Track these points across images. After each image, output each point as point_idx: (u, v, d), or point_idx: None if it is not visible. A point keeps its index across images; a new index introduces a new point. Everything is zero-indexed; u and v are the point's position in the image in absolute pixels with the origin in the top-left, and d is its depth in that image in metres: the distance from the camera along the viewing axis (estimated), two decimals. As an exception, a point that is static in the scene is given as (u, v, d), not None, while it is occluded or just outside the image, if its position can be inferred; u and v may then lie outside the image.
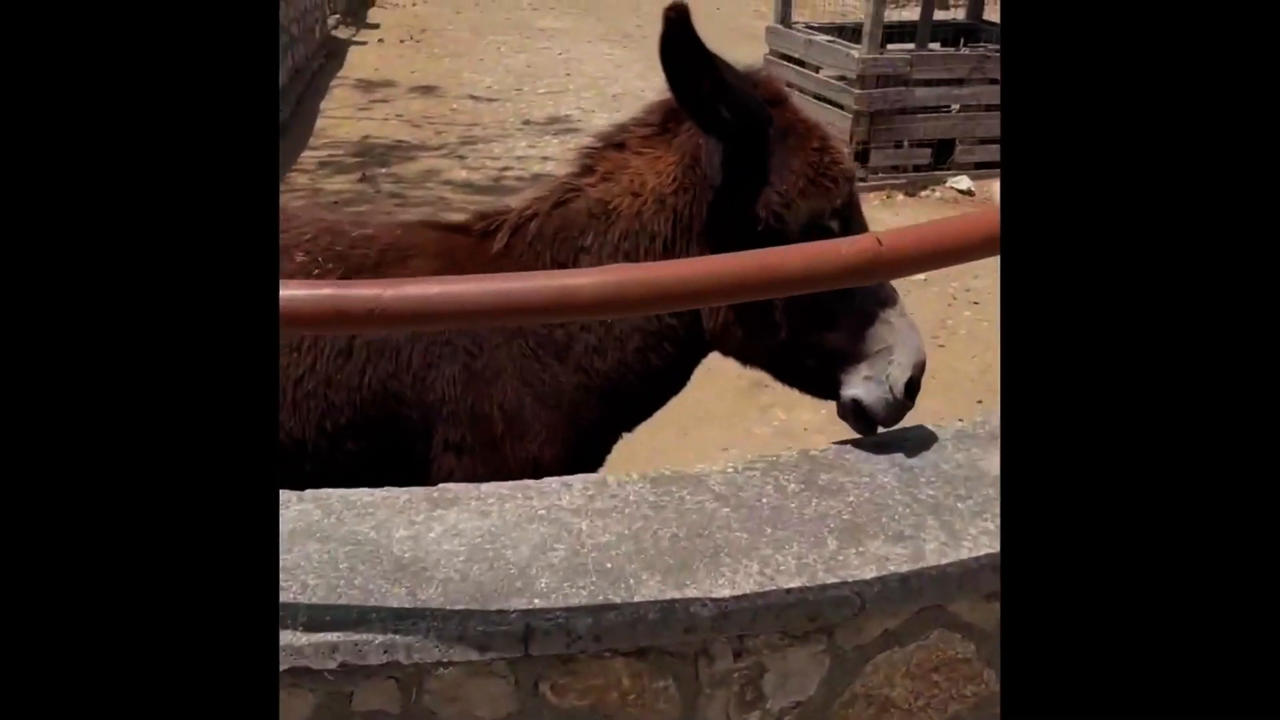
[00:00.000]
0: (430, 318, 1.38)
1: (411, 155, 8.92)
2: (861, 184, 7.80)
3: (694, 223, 2.10)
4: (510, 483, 2.01)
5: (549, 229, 2.21)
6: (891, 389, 2.04)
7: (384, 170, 8.49)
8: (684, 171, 2.11)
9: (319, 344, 2.16)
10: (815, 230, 2.02)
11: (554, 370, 2.19)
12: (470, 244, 2.28)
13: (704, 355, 2.27)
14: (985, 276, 6.17)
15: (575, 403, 2.20)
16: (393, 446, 2.25)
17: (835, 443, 2.12)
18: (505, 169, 8.63)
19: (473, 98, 10.87)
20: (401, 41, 13.45)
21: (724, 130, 2.00)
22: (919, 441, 2.09)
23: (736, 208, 2.05)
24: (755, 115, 2.00)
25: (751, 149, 2.02)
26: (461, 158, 8.89)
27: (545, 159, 8.90)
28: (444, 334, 2.20)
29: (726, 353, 2.20)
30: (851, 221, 2.07)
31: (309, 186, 8.07)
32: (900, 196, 8.10)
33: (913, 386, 2.02)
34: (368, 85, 11.24)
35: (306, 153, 8.93)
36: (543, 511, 1.91)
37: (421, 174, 8.44)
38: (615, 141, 2.23)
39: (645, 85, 11.47)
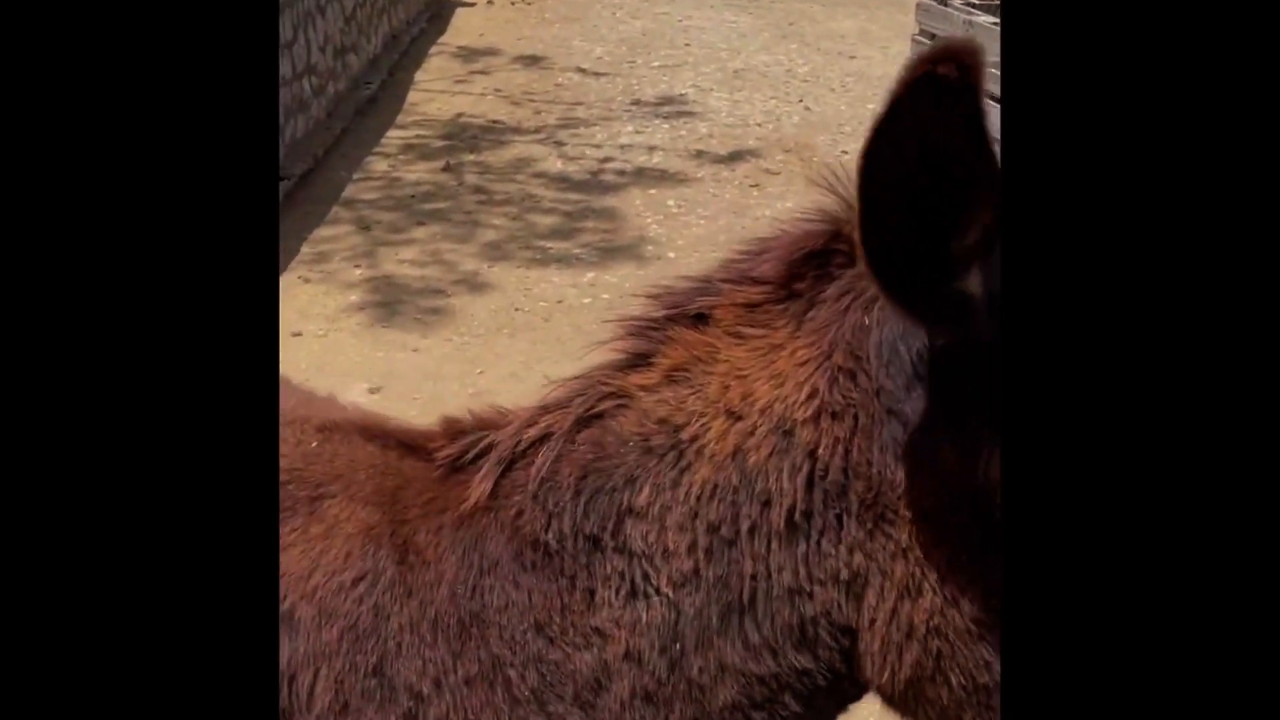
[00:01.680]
0: None
1: (505, 139, 7.99)
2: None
3: (853, 483, 1.10)
4: None
5: (569, 469, 1.24)
6: None
7: (472, 157, 7.59)
8: (832, 379, 1.11)
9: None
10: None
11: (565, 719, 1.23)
12: (428, 480, 1.32)
13: (847, 706, 1.27)
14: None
15: None
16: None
17: None
18: (606, 160, 7.63)
19: (580, 70, 9.87)
20: (512, 3, 12.51)
21: (943, 313, 1.01)
22: None
23: (945, 463, 1.04)
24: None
25: (981, 346, 1.01)
26: (559, 144, 7.93)
27: (652, 149, 7.87)
28: (369, 650, 1.25)
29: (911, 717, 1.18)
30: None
31: (386, 175, 7.24)
32: (1068, 211, 6.82)
33: None
34: (469, 54, 10.35)
35: (392, 132, 8.10)
36: None
37: (512, 163, 7.51)
38: (690, 310, 1.23)
39: (770, 60, 10.29)
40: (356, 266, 5.92)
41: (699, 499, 1.15)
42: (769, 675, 1.17)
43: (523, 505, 1.24)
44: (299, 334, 5.16)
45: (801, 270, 1.16)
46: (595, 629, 1.21)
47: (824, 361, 1.11)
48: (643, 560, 1.19)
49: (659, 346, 1.23)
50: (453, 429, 1.33)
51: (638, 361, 1.24)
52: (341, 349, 5.05)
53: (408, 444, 1.35)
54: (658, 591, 1.18)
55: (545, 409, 1.28)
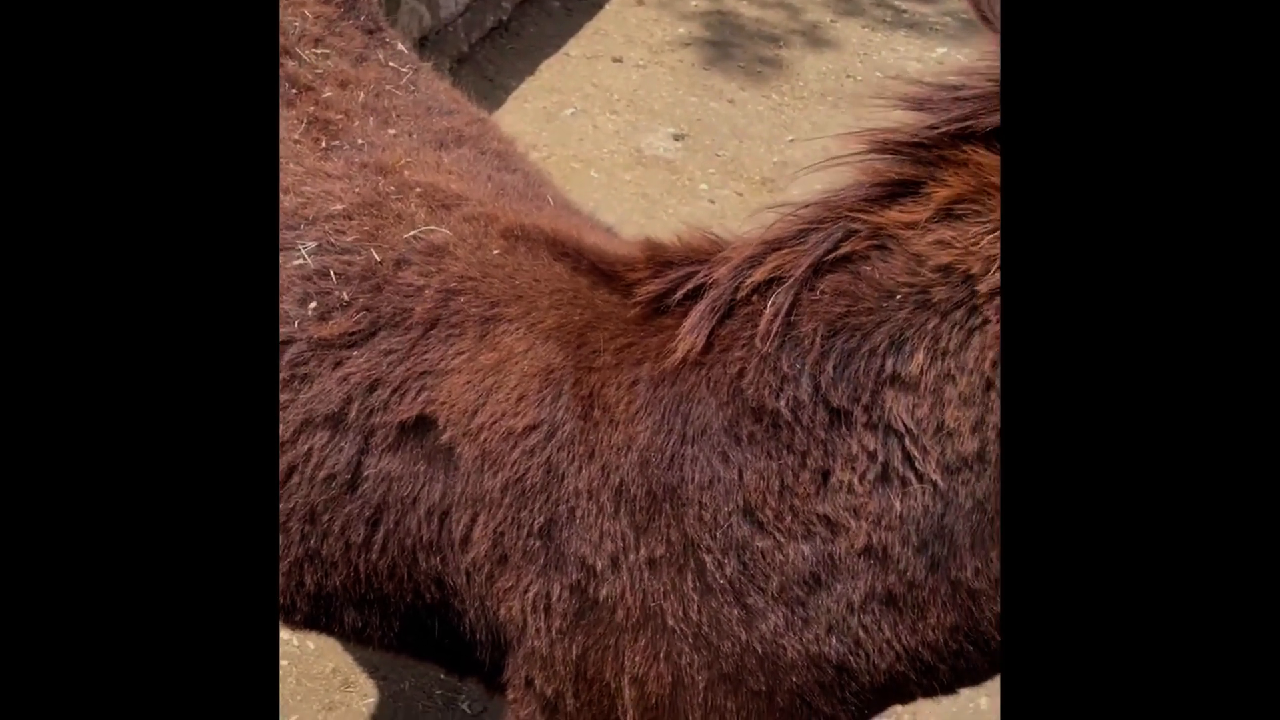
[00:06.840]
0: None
1: None
2: None
3: None
4: None
5: (812, 324, 1.06)
6: None
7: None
8: None
9: (301, 446, 1.14)
10: None
11: (765, 616, 1.09)
12: (624, 320, 1.12)
13: None
14: None
15: (807, 688, 1.10)
16: (435, 634, 1.27)
17: None
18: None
19: None
20: None
21: None
22: None
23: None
24: None
25: None
26: None
27: None
28: (536, 509, 1.12)
29: None
30: None
31: None
32: None
33: None
34: None
35: None
36: None
37: None
38: (982, 125, 1.01)
39: None
40: (695, -4, 5.56)
41: (995, 366, 0.95)
42: None
43: (746, 364, 1.04)
44: (619, 60, 4.96)
45: None
46: (823, 517, 1.04)
47: None
48: (905, 439, 1.01)
49: (931, 171, 1.00)
50: (657, 257, 1.10)
51: (900, 191, 1.01)
52: (657, 85, 4.82)
53: (603, 270, 1.14)
54: (921, 478, 1.02)
55: (772, 245, 1.06)
